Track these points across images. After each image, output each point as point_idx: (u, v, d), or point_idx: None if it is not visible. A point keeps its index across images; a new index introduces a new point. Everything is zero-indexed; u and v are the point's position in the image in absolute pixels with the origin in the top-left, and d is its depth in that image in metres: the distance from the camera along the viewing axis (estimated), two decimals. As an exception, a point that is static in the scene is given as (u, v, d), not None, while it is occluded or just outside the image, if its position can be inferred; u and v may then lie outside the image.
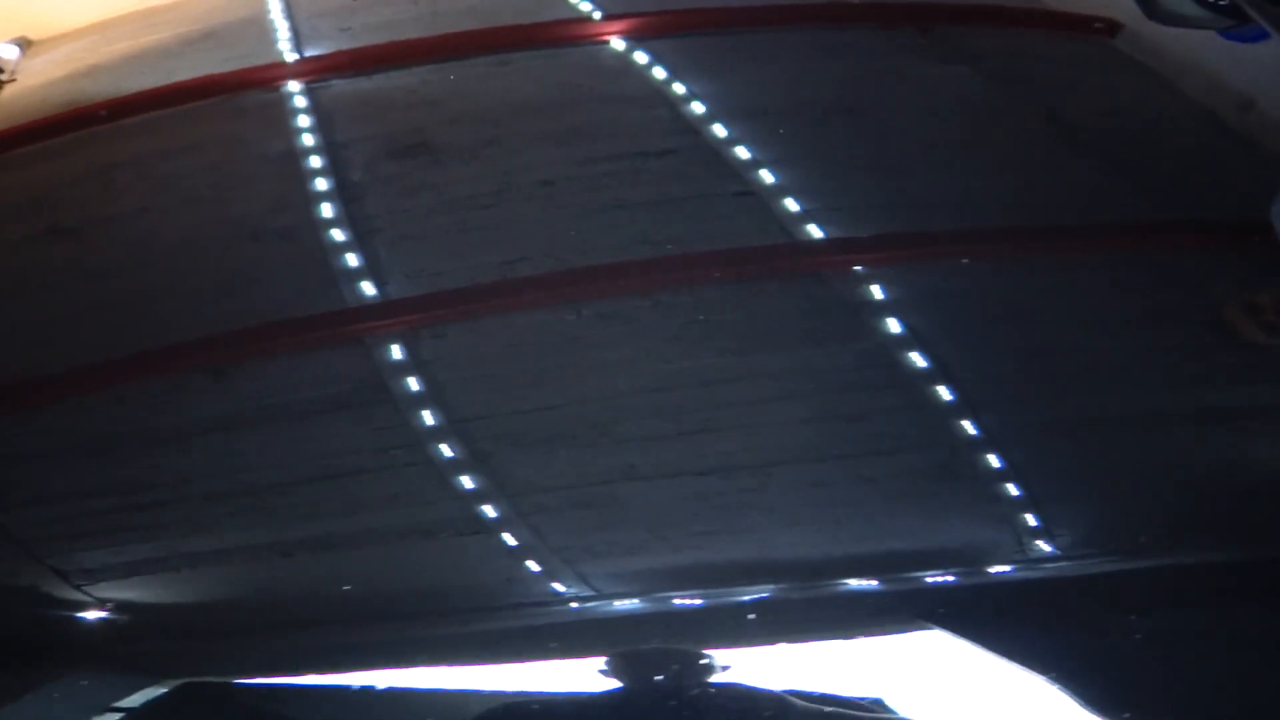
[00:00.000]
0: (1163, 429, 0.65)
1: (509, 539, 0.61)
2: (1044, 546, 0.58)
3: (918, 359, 0.68)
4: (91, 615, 0.58)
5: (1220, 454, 0.64)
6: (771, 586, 0.58)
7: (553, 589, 0.58)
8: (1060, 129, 0.96)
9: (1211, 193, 0.83)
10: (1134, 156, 0.89)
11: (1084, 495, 0.61)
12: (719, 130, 0.94)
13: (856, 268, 0.77)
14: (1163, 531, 0.59)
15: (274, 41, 1.16)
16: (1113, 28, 1.18)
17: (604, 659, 0.54)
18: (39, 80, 1.11)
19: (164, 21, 1.26)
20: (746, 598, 0.57)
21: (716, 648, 0.55)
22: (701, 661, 0.54)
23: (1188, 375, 0.68)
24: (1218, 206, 0.82)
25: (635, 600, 0.59)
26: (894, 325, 0.71)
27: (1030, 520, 0.59)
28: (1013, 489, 0.61)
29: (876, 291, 0.74)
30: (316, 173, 0.84)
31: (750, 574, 0.58)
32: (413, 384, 0.67)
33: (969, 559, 0.58)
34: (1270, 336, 0.70)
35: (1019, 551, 0.58)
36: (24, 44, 1.22)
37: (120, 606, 0.58)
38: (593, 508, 0.62)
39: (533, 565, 0.60)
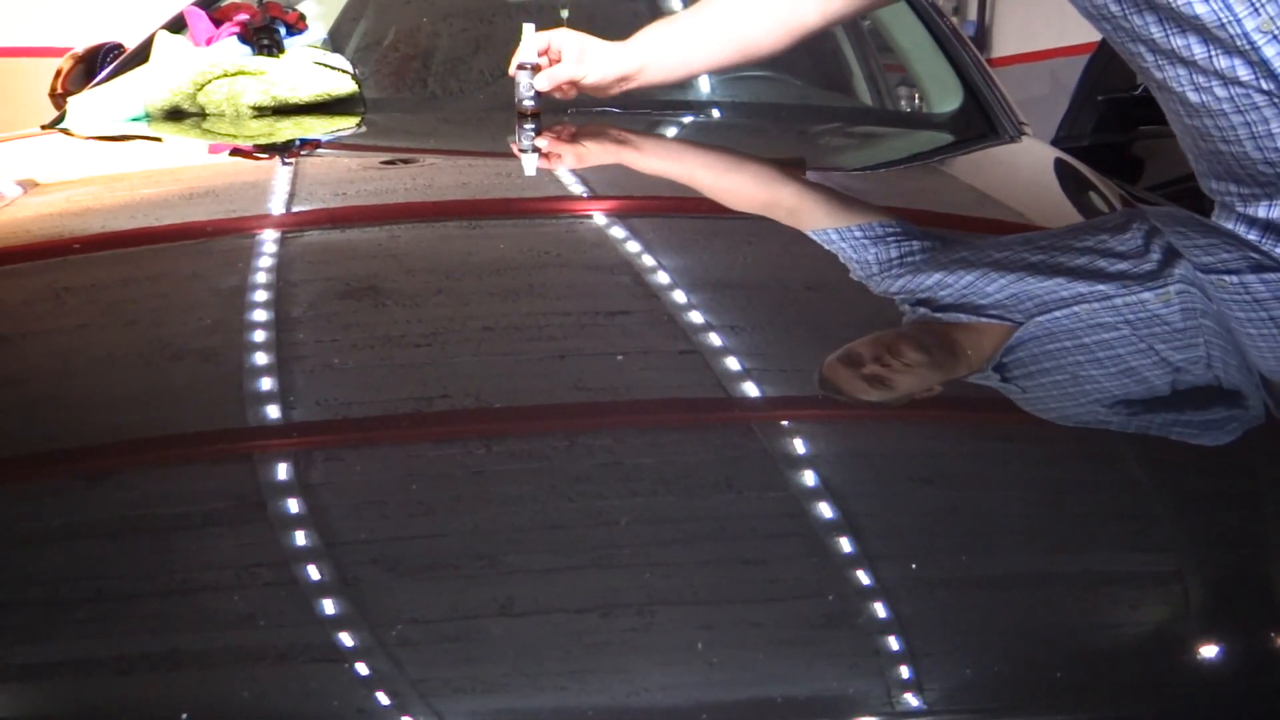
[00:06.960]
0: (1043, 595, 0.63)
1: (364, 668, 0.56)
2: (913, 701, 0.54)
3: (821, 511, 0.65)
4: None
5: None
6: None
7: None
8: None
9: None
10: None
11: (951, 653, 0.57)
12: (679, 297, 0.94)
13: (778, 423, 0.75)
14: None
15: (265, 199, 1.21)
16: None
17: None
18: (34, 213, 1.15)
19: (171, 179, 1.32)
20: None
21: None
22: None
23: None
24: None
25: None
26: (801, 479, 0.68)
27: (904, 673, 0.55)
28: (893, 642, 0.56)
29: (791, 447, 0.72)
30: (256, 305, 0.85)
31: (618, 716, 0.53)
32: (291, 505, 0.64)
33: (844, 709, 0.53)
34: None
35: (888, 705, 0.53)
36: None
37: None
38: (461, 640, 0.58)
39: (384, 697, 0.55)
